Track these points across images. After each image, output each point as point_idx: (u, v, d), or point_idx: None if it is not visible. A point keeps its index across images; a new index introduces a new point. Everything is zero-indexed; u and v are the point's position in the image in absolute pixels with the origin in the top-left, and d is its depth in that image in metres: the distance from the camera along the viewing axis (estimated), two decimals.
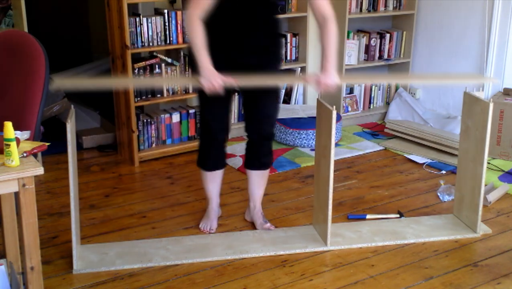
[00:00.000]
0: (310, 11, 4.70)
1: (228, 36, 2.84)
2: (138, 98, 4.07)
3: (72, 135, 2.62)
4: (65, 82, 2.69)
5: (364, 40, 5.02)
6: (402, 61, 5.18)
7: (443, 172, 4.03)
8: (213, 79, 2.67)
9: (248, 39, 2.85)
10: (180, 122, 4.35)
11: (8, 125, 2.00)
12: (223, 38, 2.83)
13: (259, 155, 3.11)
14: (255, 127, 3.06)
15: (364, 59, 5.08)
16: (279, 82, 2.83)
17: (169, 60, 4.20)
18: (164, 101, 4.30)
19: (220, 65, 2.80)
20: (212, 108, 2.96)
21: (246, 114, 3.07)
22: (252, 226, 3.23)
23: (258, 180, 3.18)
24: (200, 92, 2.86)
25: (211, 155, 3.09)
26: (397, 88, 5.25)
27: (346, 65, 4.89)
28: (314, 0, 2.78)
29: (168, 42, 4.12)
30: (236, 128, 4.70)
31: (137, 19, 3.96)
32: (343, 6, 4.71)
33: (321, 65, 2.79)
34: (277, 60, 3.00)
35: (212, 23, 2.72)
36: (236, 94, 3.52)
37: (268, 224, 3.18)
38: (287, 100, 4.89)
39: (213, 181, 3.17)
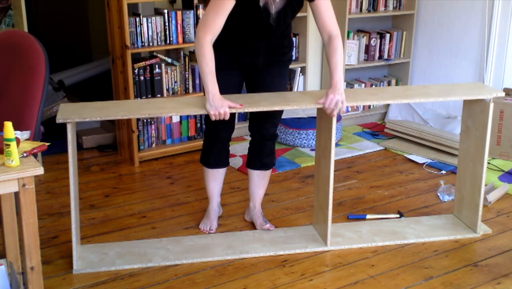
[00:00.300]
0: (310, 11, 4.71)
1: (235, 38, 2.84)
2: (138, 98, 4.07)
3: (73, 135, 2.62)
4: (72, 113, 2.67)
5: (364, 40, 5.02)
6: (402, 61, 5.18)
7: (443, 172, 4.03)
8: (220, 107, 2.65)
9: (256, 42, 2.85)
10: (180, 122, 4.34)
11: (8, 125, 2.00)
12: (229, 40, 2.82)
13: (260, 155, 3.11)
14: (258, 127, 3.06)
15: (364, 59, 5.08)
16: (289, 106, 2.81)
17: (169, 60, 4.20)
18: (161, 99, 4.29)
19: (226, 65, 2.81)
20: None
21: (251, 113, 3.07)
22: (252, 226, 3.23)
23: (259, 180, 3.18)
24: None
25: (214, 153, 3.09)
26: None
27: (346, 65, 4.89)
28: (320, 17, 2.77)
29: (168, 42, 4.12)
30: (236, 128, 4.69)
31: (137, 19, 3.95)
32: (343, 6, 4.71)
33: (330, 84, 2.78)
34: (285, 61, 3.01)
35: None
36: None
37: (268, 225, 3.18)
38: None
39: (215, 179, 3.17)
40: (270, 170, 3.20)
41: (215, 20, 2.61)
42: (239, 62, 2.90)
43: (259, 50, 2.87)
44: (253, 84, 3.01)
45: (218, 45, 2.66)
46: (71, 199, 2.68)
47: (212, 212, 3.22)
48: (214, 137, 3.05)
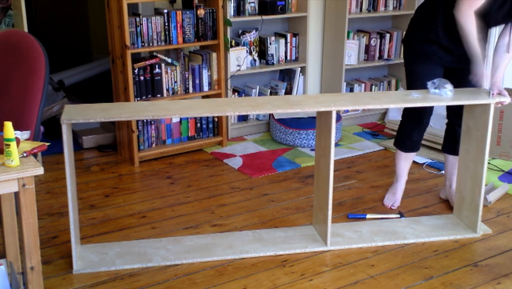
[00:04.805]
0: (310, 11, 4.72)
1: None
2: (138, 98, 4.07)
3: (68, 135, 2.62)
4: (76, 115, 2.67)
5: (364, 40, 5.02)
6: (402, 61, 5.15)
7: (443, 172, 4.02)
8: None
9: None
10: (180, 122, 4.34)
11: (8, 125, 2.00)
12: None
13: (456, 140, 3.34)
14: (456, 110, 3.29)
15: (364, 59, 5.08)
16: (291, 110, 2.85)
17: (169, 60, 4.20)
18: (164, 101, 4.29)
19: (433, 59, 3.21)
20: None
21: (449, 106, 3.33)
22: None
23: (454, 162, 3.42)
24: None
25: (412, 138, 3.37)
26: (397, 88, 5.25)
27: (346, 65, 4.89)
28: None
29: (168, 42, 4.12)
30: (236, 128, 4.70)
31: (137, 19, 3.95)
32: (343, 6, 4.71)
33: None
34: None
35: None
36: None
37: None
38: None
39: (406, 160, 3.48)
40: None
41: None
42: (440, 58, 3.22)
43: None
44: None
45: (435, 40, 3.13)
46: (69, 200, 2.69)
47: (399, 189, 3.52)
48: (416, 123, 3.31)
